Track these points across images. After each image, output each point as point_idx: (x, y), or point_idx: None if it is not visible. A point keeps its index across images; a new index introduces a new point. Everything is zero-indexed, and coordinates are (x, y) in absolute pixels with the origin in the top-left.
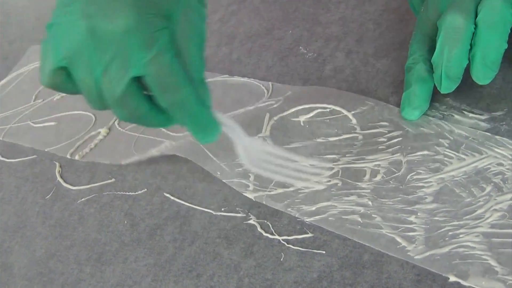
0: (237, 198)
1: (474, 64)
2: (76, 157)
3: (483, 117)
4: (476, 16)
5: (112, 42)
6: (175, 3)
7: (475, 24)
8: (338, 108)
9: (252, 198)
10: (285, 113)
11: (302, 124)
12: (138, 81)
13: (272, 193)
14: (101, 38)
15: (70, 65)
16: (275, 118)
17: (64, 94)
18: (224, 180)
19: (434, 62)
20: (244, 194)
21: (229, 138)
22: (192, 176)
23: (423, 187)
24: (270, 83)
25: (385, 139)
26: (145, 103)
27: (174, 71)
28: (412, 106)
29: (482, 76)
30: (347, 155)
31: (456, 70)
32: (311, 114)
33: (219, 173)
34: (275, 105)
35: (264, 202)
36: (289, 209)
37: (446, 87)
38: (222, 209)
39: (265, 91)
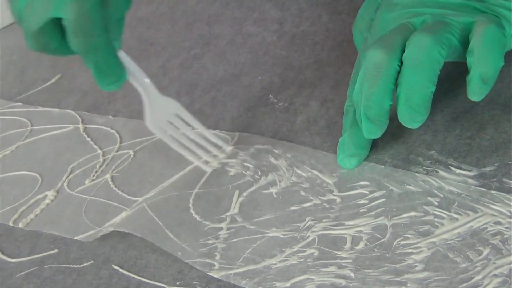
0: (194, 271)
1: (398, 105)
2: (20, 225)
3: (471, 174)
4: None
5: None
6: None
7: (401, 62)
8: (315, 173)
9: (218, 277)
10: (254, 187)
11: (274, 195)
12: (57, 21)
13: (240, 270)
14: None
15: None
16: (245, 194)
17: (3, 153)
18: (186, 261)
19: (354, 100)
20: (208, 273)
21: (138, 91)
22: (144, 245)
23: (412, 253)
24: (236, 133)
25: (366, 201)
26: (57, 41)
27: (93, 18)
28: (346, 153)
29: (408, 119)
30: (323, 221)
31: (376, 111)
32: (284, 185)
33: (180, 253)
34: (242, 180)
35: (231, 281)
36: None
37: (368, 131)
38: (177, 283)
39: (230, 138)
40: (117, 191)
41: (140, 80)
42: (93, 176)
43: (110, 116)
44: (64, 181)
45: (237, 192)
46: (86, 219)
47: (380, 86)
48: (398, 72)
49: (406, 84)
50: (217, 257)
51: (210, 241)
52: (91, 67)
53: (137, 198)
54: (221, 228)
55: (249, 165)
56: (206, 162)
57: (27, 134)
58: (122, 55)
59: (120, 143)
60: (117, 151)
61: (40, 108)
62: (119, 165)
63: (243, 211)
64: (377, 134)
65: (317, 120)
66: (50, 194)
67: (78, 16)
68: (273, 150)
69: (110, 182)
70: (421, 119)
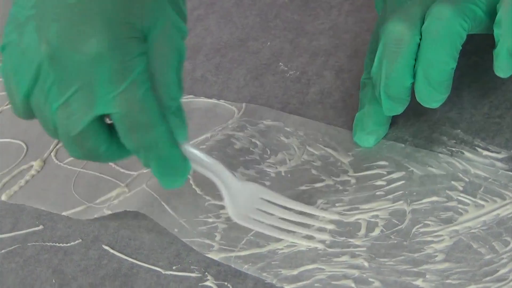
0: (192, 254)
1: (416, 82)
2: (3, 197)
3: (500, 156)
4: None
5: (77, 72)
6: (153, 20)
7: (421, 34)
8: (329, 151)
9: (217, 259)
10: (262, 166)
11: (283, 174)
12: (101, 117)
13: (242, 253)
14: (64, 67)
15: (29, 93)
16: (250, 171)
17: None
18: (183, 239)
19: (373, 77)
20: (206, 254)
21: (214, 183)
22: (138, 225)
23: (432, 242)
24: (243, 104)
25: (384, 183)
26: (106, 141)
27: (148, 108)
28: (365, 130)
29: (427, 98)
30: (336, 204)
31: (396, 89)
32: (294, 163)
33: (176, 230)
34: (248, 157)
35: (232, 265)
36: (264, 274)
37: (388, 109)
38: (173, 267)
39: (236, 110)
40: (110, 163)
41: (216, 173)
42: None
43: None
44: (52, 151)
45: (242, 168)
46: (75, 194)
47: (401, 63)
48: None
49: (424, 60)
50: (217, 237)
51: (210, 220)
52: (152, 166)
53: (131, 172)
54: (223, 206)
55: (258, 142)
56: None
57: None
58: (189, 148)
59: None
60: None
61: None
62: None
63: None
64: (398, 111)
65: (331, 92)
66: (36, 164)
67: (131, 107)
68: (285, 128)
69: None
70: (441, 98)
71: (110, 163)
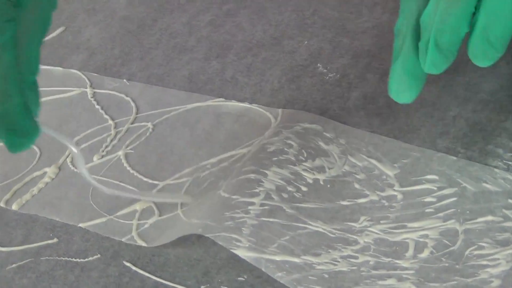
0: (222, 273)
1: (472, 34)
2: (13, 207)
3: None
4: None
5: None
6: None
7: None
8: (373, 163)
9: (244, 257)
10: (297, 167)
11: (321, 183)
12: None
13: (274, 257)
14: None
15: None
16: (284, 171)
17: None
18: (207, 235)
19: (423, 22)
20: (233, 250)
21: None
22: None
23: (487, 266)
24: (279, 109)
25: (434, 199)
26: None
27: (10, 76)
28: (402, 85)
29: (480, 54)
30: (381, 222)
31: (450, 37)
32: (334, 173)
33: (200, 229)
34: (282, 157)
35: (263, 269)
36: None
37: (432, 63)
38: (202, 287)
39: (272, 119)
40: (132, 171)
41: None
42: (103, 151)
43: (124, 80)
44: (68, 156)
45: (274, 167)
46: (93, 204)
47: (461, 7)
48: None
49: (487, 10)
50: (246, 232)
51: (238, 215)
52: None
53: (156, 182)
54: (253, 203)
55: (293, 143)
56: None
57: None
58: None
59: (137, 113)
60: (132, 123)
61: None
62: (135, 140)
63: (281, 190)
64: (441, 68)
65: (375, 97)
66: (50, 171)
67: None
68: (324, 133)
69: (123, 160)
70: (495, 56)
71: (133, 171)
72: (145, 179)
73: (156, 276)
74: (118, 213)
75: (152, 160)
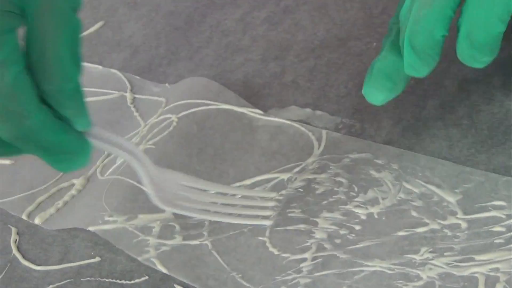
0: None
1: (458, 38)
2: (36, 221)
3: None
4: None
5: None
6: None
7: None
8: (431, 188)
9: None
10: (349, 206)
11: (376, 216)
12: None
13: None
14: None
15: None
16: (335, 214)
17: None
18: None
19: (400, 20)
20: None
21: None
22: None
23: None
24: (323, 131)
25: (503, 229)
26: None
27: (20, 93)
28: (375, 82)
29: (468, 57)
30: (446, 254)
31: (423, 40)
32: (388, 203)
33: None
34: (332, 198)
35: None
36: None
37: (410, 65)
38: None
39: (315, 142)
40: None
41: (133, 154)
42: None
43: (166, 84)
44: (98, 167)
45: (325, 212)
46: (106, 205)
47: (435, 9)
48: None
49: (468, 17)
50: None
51: (289, 277)
52: (40, 156)
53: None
54: (305, 259)
55: (342, 180)
56: (262, 217)
57: None
58: (95, 130)
59: (164, 107)
60: (158, 117)
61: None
62: (157, 134)
63: (334, 236)
64: (422, 72)
65: (454, 106)
66: (78, 183)
67: None
68: (375, 160)
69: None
70: (486, 60)
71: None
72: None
73: None
74: (132, 221)
75: (175, 161)
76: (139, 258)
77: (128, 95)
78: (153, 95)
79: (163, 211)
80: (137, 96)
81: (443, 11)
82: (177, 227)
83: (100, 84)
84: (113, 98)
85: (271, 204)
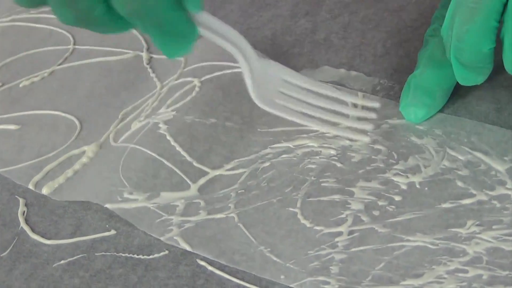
0: None
1: (503, 48)
2: (44, 191)
3: None
4: None
5: None
6: None
7: None
8: (478, 156)
9: None
10: (388, 174)
11: (418, 186)
12: None
13: None
14: None
15: None
16: (373, 183)
17: (31, 79)
18: (292, 285)
19: (443, 36)
20: None
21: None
22: None
23: None
24: (359, 93)
25: None
26: (100, 3)
27: None
28: (413, 99)
29: None
30: (494, 227)
31: (470, 56)
32: (431, 172)
33: (283, 276)
34: (370, 167)
35: None
36: None
37: (463, 78)
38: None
39: (350, 104)
40: (173, 143)
41: (237, 44)
42: (142, 117)
43: None
44: (111, 132)
45: (361, 181)
46: (124, 180)
47: (478, 23)
48: (505, 5)
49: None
50: (334, 271)
51: (323, 252)
52: (150, 35)
53: (203, 167)
54: (340, 233)
55: (381, 147)
56: (359, 131)
57: (67, 55)
58: (204, 16)
59: (184, 68)
60: (177, 79)
61: None
62: (178, 98)
63: (372, 207)
64: (476, 82)
65: (501, 65)
66: (89, 150)
67: None
68: (416, 125)
69: (163, 127)
70: None
71: (174, 144)
72: (189, 159)
73: (237, 278)
74: (155, 200)
75: (199, 133)
76: (162, 238)
77: (144, 54)
78: None
79: (187, 188)
80: (154, 56)
81: (487, 23)
82: (202, 203)
83: (113, 42)
84: (128, 58)
85: (372, 115)
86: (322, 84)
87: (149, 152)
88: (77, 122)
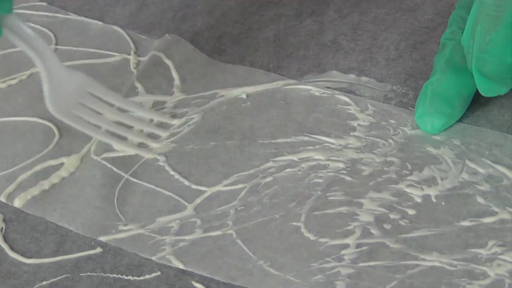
0: None
1: None
2: (15, 203)
3: None
4: None
5: None
6: None
7: None
8: (500, 170)
9: None
10: (401, 185)
11: (434, 200)
12: None
13: None
14: None
15: None
16: (384, 194)
17: (8, 82)
18: None
19: (464, 46)
20: None
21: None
22: None
23: None
24: (367, 101)
25: None
26: None
27: None
28: (430, 108)
29: None
30: None
31: (493, 66)
32: (449, 185)
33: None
34: (381, 178)
35: None
36: None
37: (485, 88)
38: None
39: (358, 114)
40: (171, 172)
41: (39, 51)
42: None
43: (166, 35)
44: (93, 144)
45: (371, 192)
46: (120, 212)
47: (501, 32)
48: None
49: None
50: (341, 286)
51: (328, 265)
52: None
53: (202, 188)
54: (347, 245)
55: (394, 159)
56: (148, 147)
57: None
58: (12, 19)
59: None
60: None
61: (73, 16)
62: (176, 132)
63: (383, 220)
64: (500, 92)
65: None
66: (69, 163)
67: None
68: (432, 136)
69: (161, 159)
70: None
71: (173, 173)
72: (186, 183)
73: None
74: (152, 225)
75: (199, 158)
76: (153, 258)
77: (131, 58)
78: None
79: (184, 209)
80: (142, 59)
81: (511, 32)
82: (198, 221)
83: (99, 44)
84: (114, 61)
85: (165, 134)
86: (127, 100)
87: (146, 184)
88: (55, 130)
